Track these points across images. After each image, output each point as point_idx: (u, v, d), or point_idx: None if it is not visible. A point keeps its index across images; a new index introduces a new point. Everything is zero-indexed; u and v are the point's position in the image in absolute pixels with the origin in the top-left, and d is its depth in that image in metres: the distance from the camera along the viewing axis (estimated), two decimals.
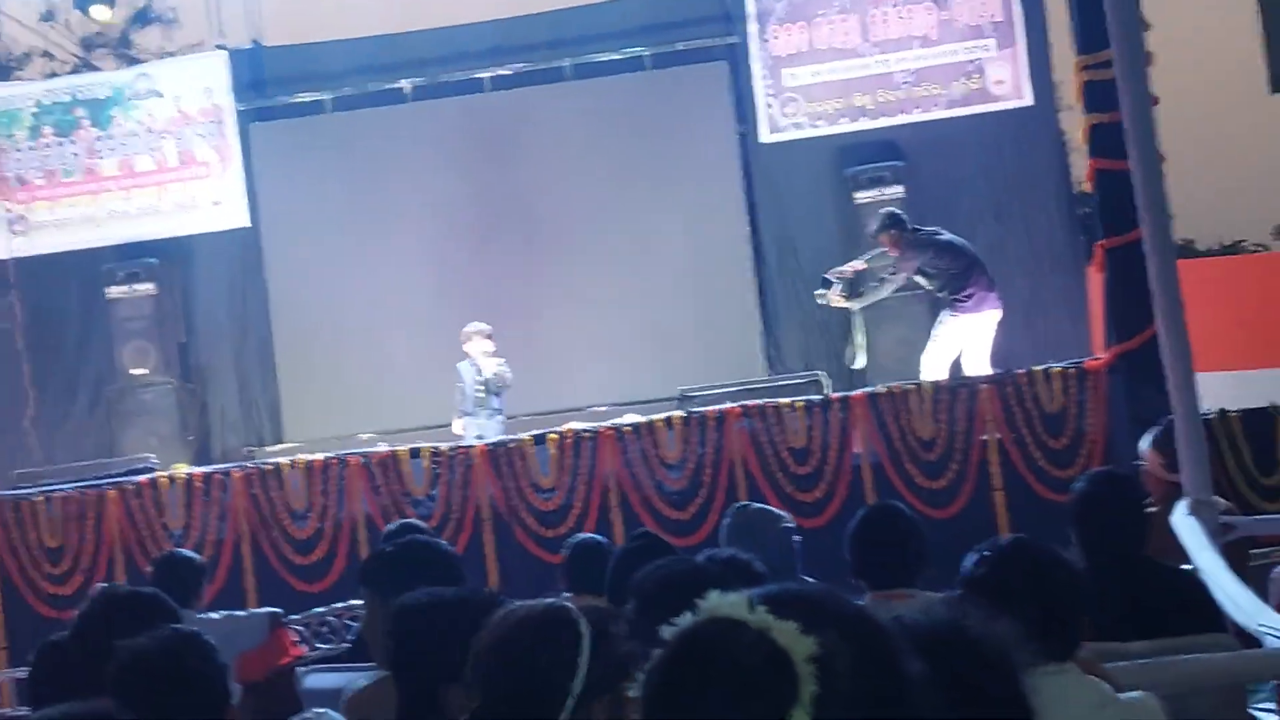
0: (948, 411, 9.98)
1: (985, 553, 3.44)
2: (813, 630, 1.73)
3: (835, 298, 11.38)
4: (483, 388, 11.84)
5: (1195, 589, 4.96)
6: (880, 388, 10.31)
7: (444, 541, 4.96)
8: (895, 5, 13.35)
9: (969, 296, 11.09)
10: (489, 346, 11.85)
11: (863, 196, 13.05)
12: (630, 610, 3.48)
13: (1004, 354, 12.56)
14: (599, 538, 6.73)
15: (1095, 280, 10.94)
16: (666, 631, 1.80)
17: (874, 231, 11.50)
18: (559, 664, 2.90)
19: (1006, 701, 2.27)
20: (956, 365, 10.90)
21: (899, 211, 11.55)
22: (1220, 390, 9.98)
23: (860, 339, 11.62)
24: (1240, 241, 33.19)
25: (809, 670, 1.70)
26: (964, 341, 11.10)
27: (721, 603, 1.79)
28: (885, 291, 11.30)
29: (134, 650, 3.44)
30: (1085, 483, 5.04)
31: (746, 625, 1.75)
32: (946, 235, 11.37)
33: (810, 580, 4.62)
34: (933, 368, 10.97)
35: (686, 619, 1.80)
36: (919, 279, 11.25)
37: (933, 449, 9.93)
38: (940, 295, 11.31)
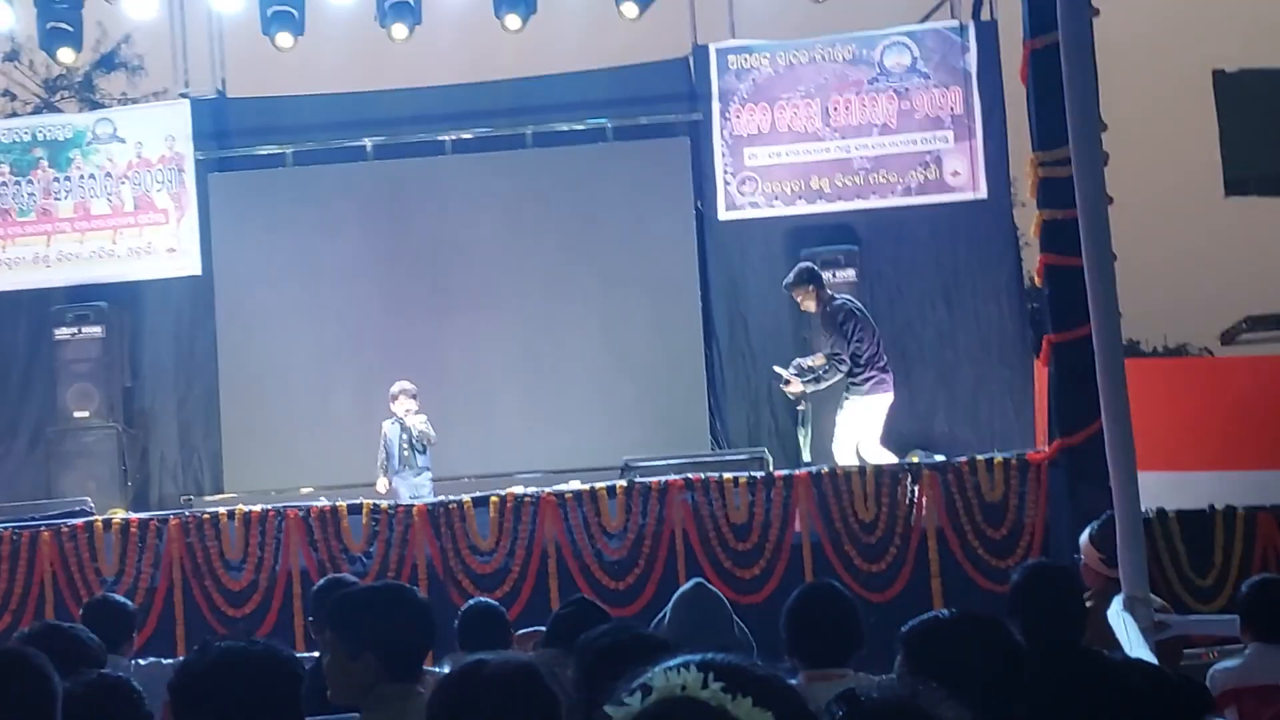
0: (889, 495, 10.01)
1: (929, 622, 3.45)
2: (762, 704, 1.73)
3: (794, 382, 11.32)
4: (409, 446, 11.88)
5: (1137, 680, 4.96)
6: (823, 468, 10.34)
7: (416, 589, 4.81)
8: (858, 92, 13.50)
9: (868, 379, 11.08)
10: (413, 405, 11.92)
11: None
12: (571, 676, 3.46)
13: (947, 441, 12.65)
14: (491, 601, 6.71)
15: (1041, 374, 11.03)
16: (617, 713, 1.77)
17: (790, 284, 11.44)
18: None
19: None
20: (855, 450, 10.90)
21: (817, 268, 11.57)
22: (1159, 490, 10.04)
23: (804, 435, 11.58)
24: (1185, 345, 33.51)
25: None
26: (862, 423, 11.06)
27: (675, 680, 1.77)
28: (830, 380, 11.27)
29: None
30: (1022, 574, 5.07)
31: (708, 705, 1.73)
32: (859, 308, 11.39)
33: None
34: (844, 454, 10.92)
35: (637, 699, 1.77)
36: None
37: (873, 532, 9.96)
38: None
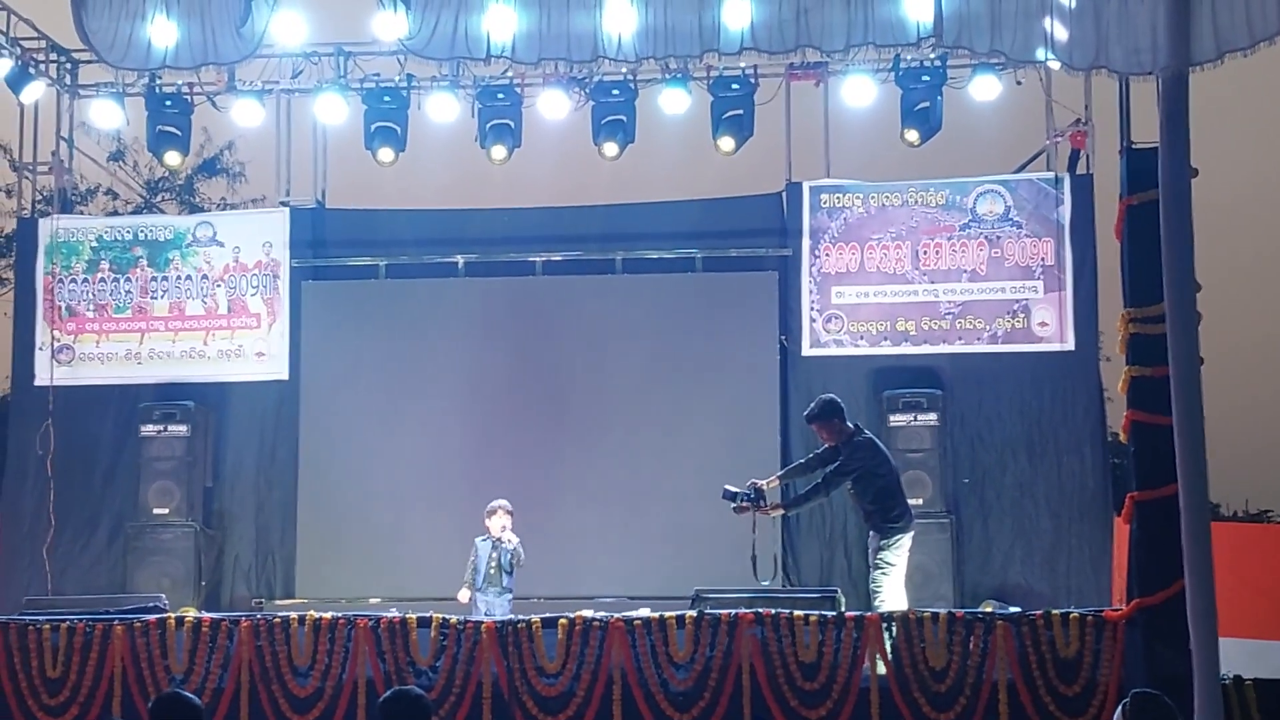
0: (962, 644, 9.89)
1: None
2: None
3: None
4: (497, 565, 11.86)
5: None
6: (895, 612, 10.25)
7: None
8: (949, 237, 13.56)
9: (900, 514, 10.89)
10: (509, 523, 11.90)
11: (897, 420, 13.13)
12: None
13: (1022, 593, 12.53)
14: None
15: (1122, 531, 10.91)
16: None
17: (810, 417, 11.14)
18: None
19: None
20: None
21: (839, 400, 11.21)
22: (1236, 657, 9.89)
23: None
24: (1267, 511, 33.04)
25: None
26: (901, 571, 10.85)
27: None
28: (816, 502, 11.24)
29: None
30: None
31: None
32: (877, 440, 11.20)
33: None
34: (894, 599, 10.71)
35: None
36: (849, 485, 10.99)
37: (943, 680, 9.83)
38: (868, 508, 10.94)
